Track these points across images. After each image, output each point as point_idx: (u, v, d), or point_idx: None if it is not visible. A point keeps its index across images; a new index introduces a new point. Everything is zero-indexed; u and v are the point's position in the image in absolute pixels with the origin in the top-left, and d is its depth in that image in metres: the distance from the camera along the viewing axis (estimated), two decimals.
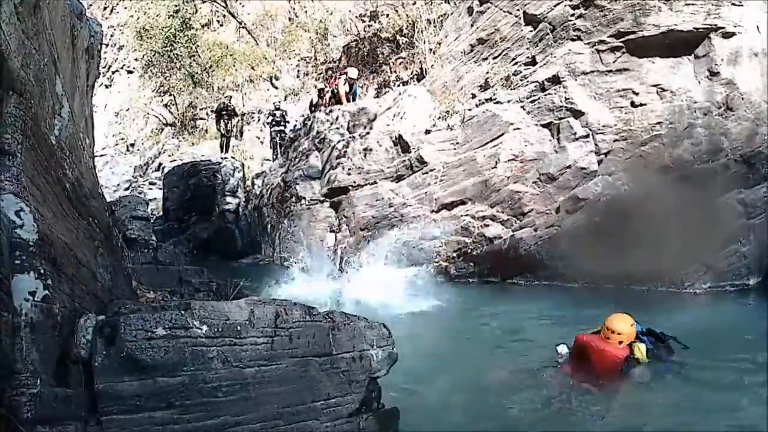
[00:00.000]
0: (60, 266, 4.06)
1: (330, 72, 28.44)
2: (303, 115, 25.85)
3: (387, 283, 13.88)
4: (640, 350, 7.85)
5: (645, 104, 13.91)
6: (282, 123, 26.44)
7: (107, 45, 40.48)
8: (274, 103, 28.66)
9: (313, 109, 23.73)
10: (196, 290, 9.55)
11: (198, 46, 36.16)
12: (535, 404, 7.69)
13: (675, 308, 11.13)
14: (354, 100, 21.49)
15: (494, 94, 16.37)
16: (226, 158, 27.03)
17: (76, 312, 4.21)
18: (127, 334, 4.05)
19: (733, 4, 13.40)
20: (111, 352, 4.04)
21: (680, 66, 13.85)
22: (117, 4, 45.80)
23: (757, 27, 13.41)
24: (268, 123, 27.53)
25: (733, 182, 12.92)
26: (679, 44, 13.77)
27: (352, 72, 21.27)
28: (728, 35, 13.39)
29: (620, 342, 7.86)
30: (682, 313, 10.92)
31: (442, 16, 22.14)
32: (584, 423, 7.26)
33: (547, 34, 15.49)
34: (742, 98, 13.13)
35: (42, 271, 3.81)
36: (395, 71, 24.11)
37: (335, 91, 22.39)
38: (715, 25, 13.40)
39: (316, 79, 31.22)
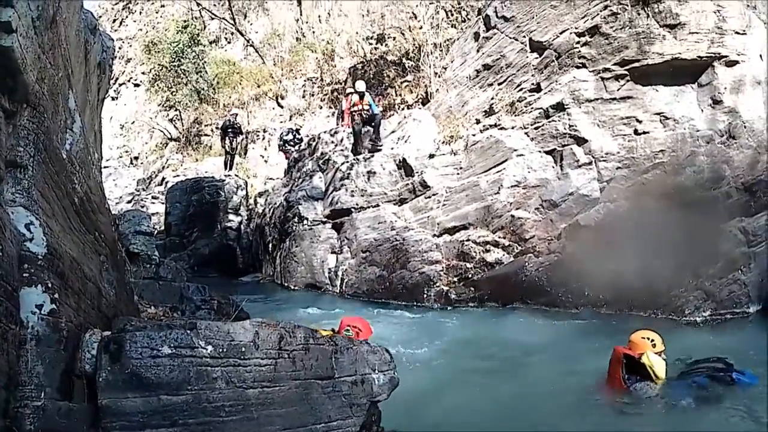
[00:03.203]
0: (67, 280, 4.08)
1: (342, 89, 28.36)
2: (308, 135, 25.86)
3: None
4: (649, 359, 8.06)
5: (648, 132, 13.97)
6: (299, 144, 26.28)
7: (114, 57, 40.69)
8: (287, 125, 28.75)
9: (341, 117, 23.54)
10: (198, 307, 9.56)
11: (205, 62, 36.36)
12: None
13: (677, 335, 11.11)
14: (372, 110, 20.91)
15: (498, 120, 16.43)
16: (229, 176, 27.11)
17: (82, 326, 4.22)
18: (132, 352, 4.07)
19: (737, 32, 13.51)
20: (116, 368, 4.04)
21: (683, 94, 13.94)
22: (126, 17, 46.06)
23: (761, 56, 13.54)
24: (285, 142, 27.29)
25: (735, 210, 12.94)
26: (683, 72, 13.86)
27: (360, 85, 20.99)
28: (731, 64, 13.49)
29: (630, 348, 8.30)
30: (683, 340, 10.91)
31: (448, 40, 22.21)
32: None
33: (552, 61, 15.58)
34: (745, 126, 13.20)
35: (49, 284, 3.83)
36: (400, 94, 24.14)
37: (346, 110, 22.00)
38: (719, 53, 13.50)
39: (321, 100, 31.31)
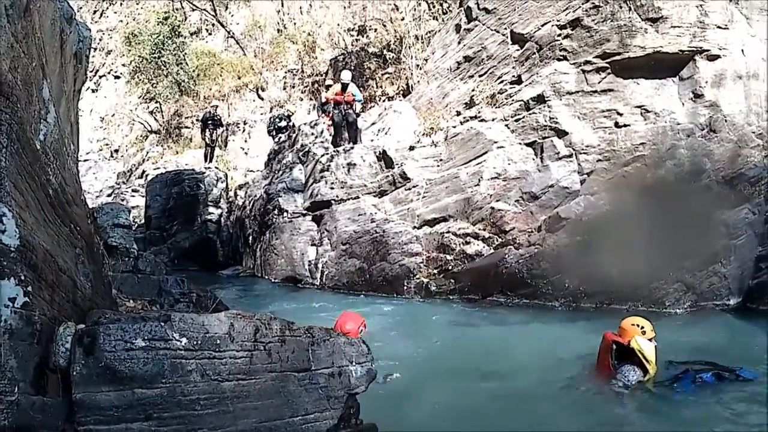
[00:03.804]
0: (41, 273, 4.02)
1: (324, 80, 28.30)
2: (292, 125, 25.83)
3: None
4: (638, 343, 8.14)
5: (629, 125, 13.98)
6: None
7: (95, 49, 40.44)
8: (278, 112, 28.68)
9: (323, 107, 23.67)
10: (176, 300, 9.50)
11: (186, 54, 36.17)
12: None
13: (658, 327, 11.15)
14: (358, 101, 20.76)
15: (479, 112, 16.45)
16: (209, 168, 27.06)
17: (56, 320, 4.16)
18: (106, 345, 4.01)
19: (719, 27, 13.55)
20: (89, 361, 3.99)
21: (664, 87, 13.96)
22: (107, 8, 45.78)
23: (742, 50, 13.55)
24: (279, 129, 27.14)
25: (715, 203, 13.01)
26: (664, 66, 13.89)
27: (345, 75, 20.86)
28: (713, 58, 13.53)
29: (620, 335, 8.41)
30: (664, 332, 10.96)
31: (429, 32, 22.21)
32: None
33: (534, 53, 15.58)
34: (726, 120, 13.24)
35: (23, 277, 3.77)
36: (381, 86, 24.14)
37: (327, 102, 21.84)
38: (701, 47, 13.54)
39: (302, 92, 31.24)
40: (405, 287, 15.72)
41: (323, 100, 23.08)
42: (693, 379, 8.13)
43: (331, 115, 20.88)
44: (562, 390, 8.57)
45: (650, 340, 8.28)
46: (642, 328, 8.35)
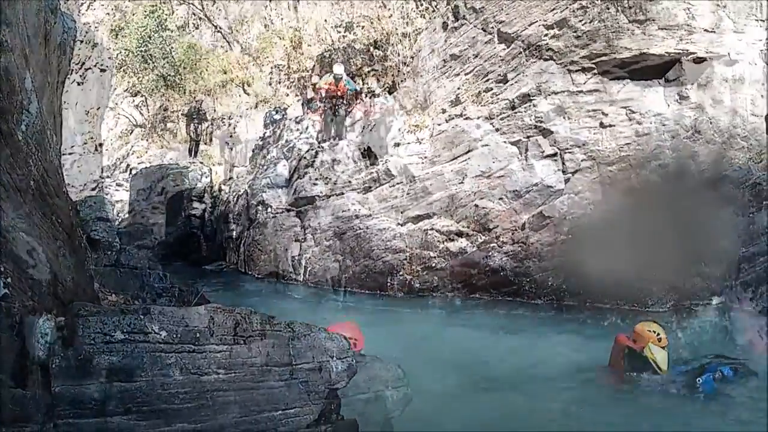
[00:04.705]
0: (21, 265, 4.00)
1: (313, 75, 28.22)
2: (272, 123, 25.75)
3: None
4: (651, 351, 8.23)
5: (614, 125, 14.02)
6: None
7: (81, 41, 40.21)
8: (275, 107, 28.59)
9: (308, 103, 23.65)
10: (159, 295, 9.45)
11: (172, 47, 35.92)
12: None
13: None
14: (354, 90, 20.70)
15: (464, 110, 16.41)
16: (194, 163, 26.88)
17: (36, 312, 4.15)
18: (85, 337, 4.00)
19: (706, 30, 13.57)
20: (69, 354, 3.98)
21: (650, 89, 14.00)
22: (94, 0, 45.49)
23: (729, 54, 13.57)
24: (271, 123, 27.02)
25: (699, 204, 13.02)
26: (651, 68, 13.95)
27: (337, 68, 20.75)
28: (699, 60, 13.57)
29: (634, 340, 8.48)
30: None
31: (417, 30, 22.15)
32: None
33: (520, 52, 15.56)
34: (711, 122, 13.30)
35: (2, 268, 3.75)
36: (367, 83, 24.05)
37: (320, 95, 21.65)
38: (687, 50, 13.57)
39: (288, 87, 31.12)
40: (388, 284, 15.71)
41: (309, 96, 23.05)
42: (714, 376, 8.14)
43: (322, 109, 20.81)
44: (566, 391, 8.56)
45: (663, 348, 8.31)
46: (658, 335, 8.37)
